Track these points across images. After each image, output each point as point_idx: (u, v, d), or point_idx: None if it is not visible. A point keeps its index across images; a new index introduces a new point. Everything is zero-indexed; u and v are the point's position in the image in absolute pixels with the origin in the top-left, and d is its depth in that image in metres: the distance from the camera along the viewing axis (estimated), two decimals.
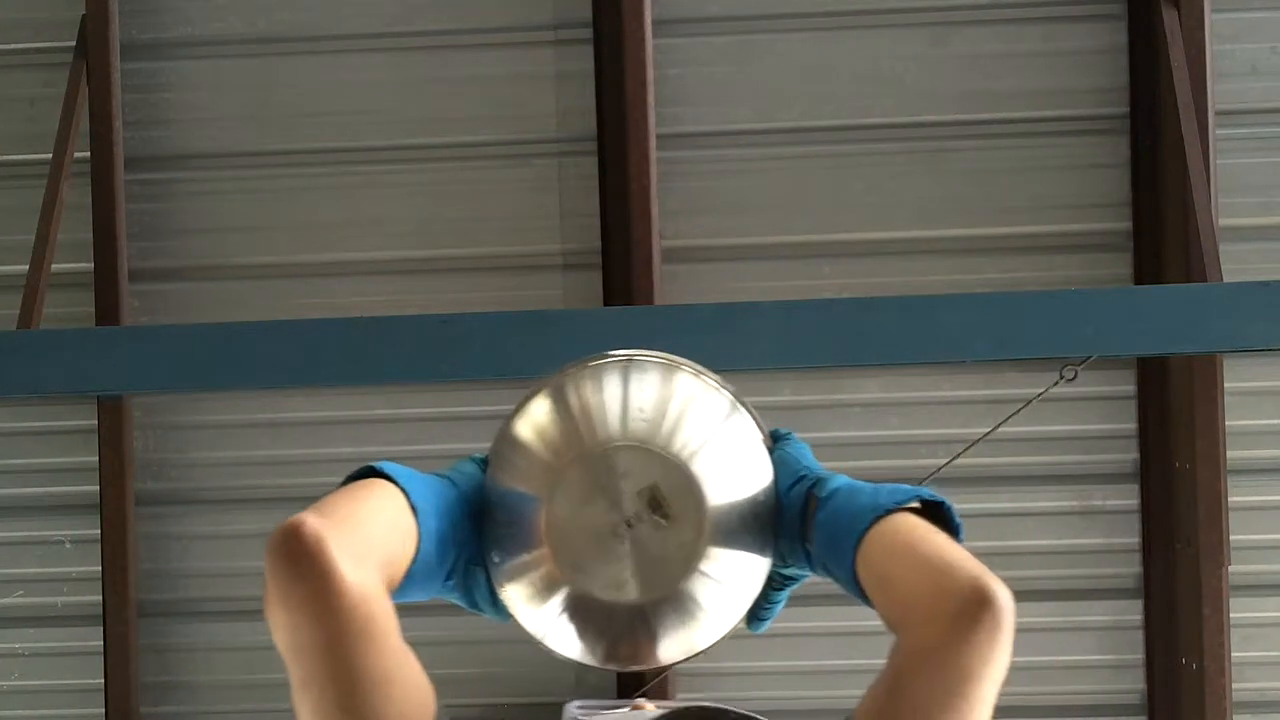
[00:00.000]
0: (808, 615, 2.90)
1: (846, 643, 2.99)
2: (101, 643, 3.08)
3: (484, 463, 1.13)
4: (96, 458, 3.07)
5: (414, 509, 0.98)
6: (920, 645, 0.90)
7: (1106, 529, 3.04)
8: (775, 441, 1.16)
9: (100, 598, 3.07)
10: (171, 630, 3.13)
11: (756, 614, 1.13)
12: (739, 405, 1.13)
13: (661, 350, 1.15)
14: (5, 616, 3.18)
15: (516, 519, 1.05)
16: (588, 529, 1.03)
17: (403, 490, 0.99)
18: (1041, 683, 3.03)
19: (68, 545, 3.16)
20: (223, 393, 2.99)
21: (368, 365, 2.46)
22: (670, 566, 1.03)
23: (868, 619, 0.96)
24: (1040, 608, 3.00)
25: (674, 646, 1.08)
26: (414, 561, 0.98)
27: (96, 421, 3.06)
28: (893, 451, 3.00)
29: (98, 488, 3.07)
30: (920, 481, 2.69)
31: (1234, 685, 2.92)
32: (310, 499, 0.93)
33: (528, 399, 1.12)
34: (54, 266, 2.83)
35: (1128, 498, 3.04)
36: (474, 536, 1.07)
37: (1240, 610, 2.94)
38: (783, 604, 1.15)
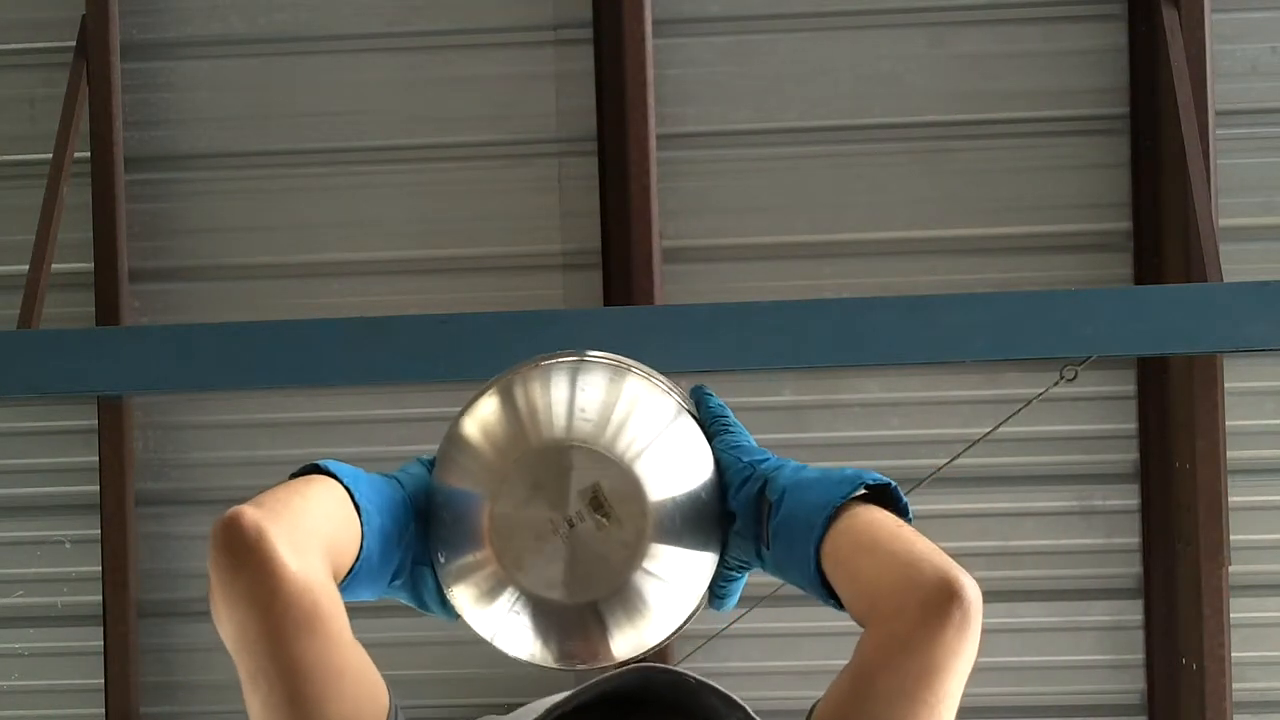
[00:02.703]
0: (808, 615, 2.90)
1: (846, 643, 2.98)
2: (101, 643, 3.08)
3: (431, 464, 1.13)
4: (96, 458, 3.06)
5: (357, 506, 0.97)
6: (887, 638, 0.91)
7: (1106, 529, 3.04)
8: (706, 421, 1.13)
9: (100, 598, 3.07)
10: (171, 630, 3.13)
11: (717, 594, 1.13)
12: (684, 409, 1.12)
13: (610, 350, 1.15)
14: (5, 616, 3.17)
15: (460, 518, 1.05)
16: (529, 527, 1.03)
17: (346, 488, 0.98)
18: (1041, 683, 3.03)
19: (68, 545, 3.16)
20: (223, 393, 2.99)
21: (368, 365, 2.46)
22: (611, 566, 1.03)
23: None
24: (1040, 608, 3.00)
25: (625, 644, 1.08)
26: (358, 559, 0.97)
27: (96, 421, 3.06)
28: (893, 451, 2.99)
29: (98, 488, 3.06)
30: (920, 482, 2.69)
31: (1234, 685, 2.92)
32: None
33: (475, 398, 1.12)
34: (54, 266, 2.82)
35: (1128, 498, 3.03)
36: (420, 537, 1.07)
37: (1240, 610, 2.94)
38: (743, 582, 1.14)
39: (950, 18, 3.02)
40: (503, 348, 2.41)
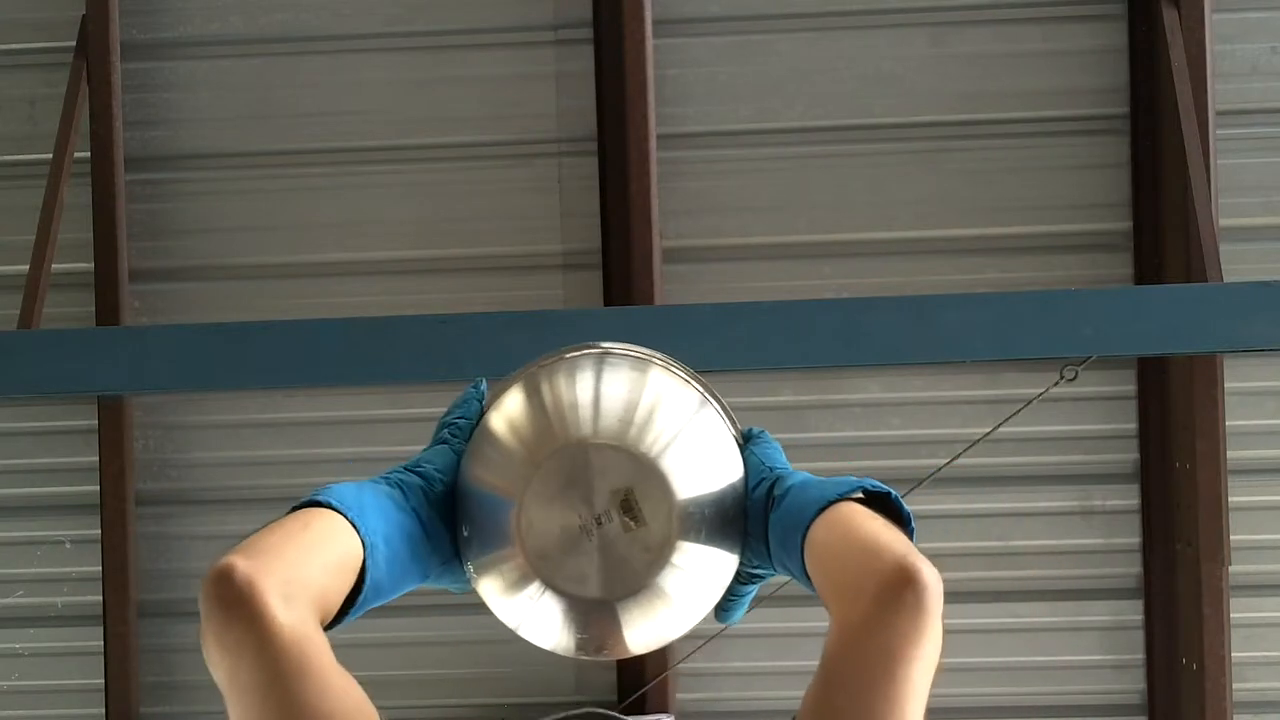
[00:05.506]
0: (807, 615, 2.89)
1: None
2: (101, 643, 3.08)
3: (453, 439, 1.13)
4: (96, 458, 3.07)
5: (360, 536, 0.97)
6: (845, 625, 0.91)
7: (1106, 529, 3.04)
8: (747, 441, 1.16)
9: (100, 598, 3.08)
10: (171, 630, 3.13)
11: (723, 607, 1.14)
12: (709, 400, 1.13)
13: (633, 344, 1.16)
14: (5, 616, 3.18)
15: (489, 513, 1.06)
16: (557, 523, 1.04)
17: (350, 521, 0.98)
18: (1041, 683, 3.03)
19: (68, 545, 3.16)
20: (223, 393, 2.99)
21: (368, 365, 2.46)
22: (635, 567, 1.05)
23: None
24: (1040, 608, 3.00)
25: (640, 638, 1.09)
26: (364, 589, 0.98)
27: (96, 421, 3.06)
28: (893, 451, 2.99)
29: (98, 488, 3.07)
30: (920, 482, 2.69)
31: (1234, 685, 2.92)
32: None
33: (501, 392, 1.13)
34: (54, 266, 2.82)
35: (1128, 498, 3.04)
36: (449, 531, 1.08)
37: (1240, 610, 2.94)
38: (750, 597, 1.16)
39: (950, 18, 3.02)
40: (503, 348, 2.42)
